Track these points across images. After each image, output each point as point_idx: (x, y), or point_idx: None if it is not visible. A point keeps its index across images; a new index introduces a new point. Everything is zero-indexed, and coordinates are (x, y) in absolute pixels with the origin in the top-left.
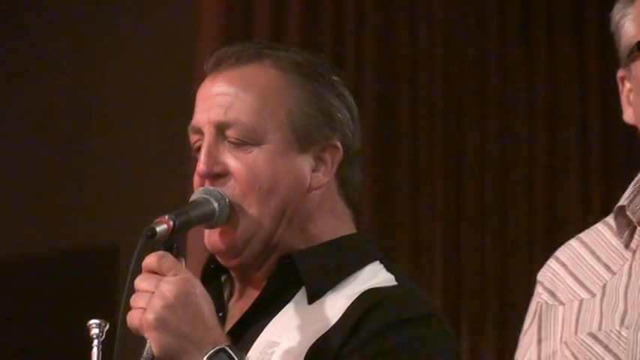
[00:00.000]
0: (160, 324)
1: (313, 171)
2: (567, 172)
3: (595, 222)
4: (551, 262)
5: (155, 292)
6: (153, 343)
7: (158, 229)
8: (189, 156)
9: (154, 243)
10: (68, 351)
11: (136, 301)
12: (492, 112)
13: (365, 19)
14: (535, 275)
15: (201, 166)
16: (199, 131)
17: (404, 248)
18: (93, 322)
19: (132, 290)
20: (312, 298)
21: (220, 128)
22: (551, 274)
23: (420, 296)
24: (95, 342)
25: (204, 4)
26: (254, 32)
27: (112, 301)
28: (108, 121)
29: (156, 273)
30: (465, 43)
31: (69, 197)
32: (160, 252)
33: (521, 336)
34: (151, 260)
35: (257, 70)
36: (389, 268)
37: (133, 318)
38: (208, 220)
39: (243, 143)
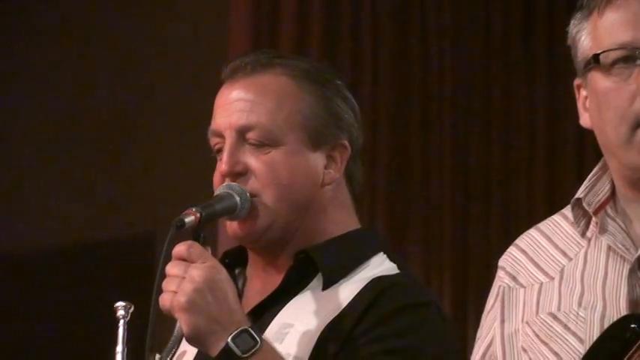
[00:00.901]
0: (191, 306)
1: (325, 168)
2: (565, 154)
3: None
4: (512, 250)
5: (185, 277)
6: (183, 324)
7: (187, 220)
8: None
9: (183, 233)
10: (105, 337)
11: (168, 285)
12: (497, 113)
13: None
14: None
15: (223, 166)
16: (220, 135)
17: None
18: (119, 304)
19: (163, 276)
20: (326, 285)
21: (241, 131)
22: (512, 260)
23: (419, 285)
24: (121, 322)
25: (233, 12)
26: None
27: (150, 288)
28: (147, 118)
29: (185, 260)
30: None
31: (109, 189)
32: (189, 241)
33: (484, 315)
34: (181, 249)
35: (271, 78)
36: (392, 259)
37: (165, 300)
38: (231, 212)
39: (262, 145)
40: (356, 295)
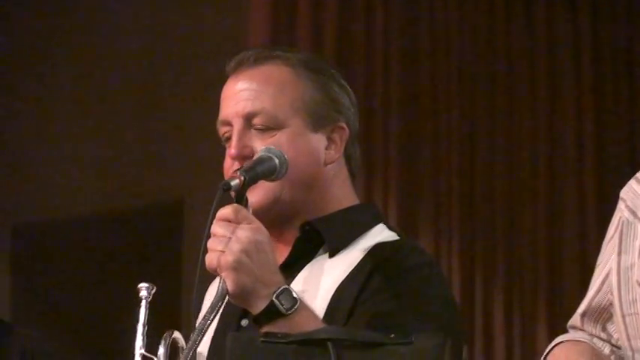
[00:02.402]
0: (238, 265)
1: (326, 148)
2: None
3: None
4: (632, 182)
5: (232, 237)
6: (229, 282)
7: (232, 183)
8: None
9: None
10: (133, 305)
11: (214, 244)
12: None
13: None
14: (540, 231)
15: (232, 150)
16: (228, 123)
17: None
18: (142, 285)
19: (209, 237)
20: (333, 253)
21: (248, 118)
22: (632, 193)
23: (419, 247)
24: (143, 302)
25: (252, 11)
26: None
27: (178, 254)
28: (175, 87)
29: (230, 222)
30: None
31: (137, 158)
32: (234, 204)
33: (605, 243)
34: (227, 210)
35: (272, 68)
36: (391, 228)
37: (212, 259)
38: (271, 174)
39: (267, 128)
40: (361, 260)
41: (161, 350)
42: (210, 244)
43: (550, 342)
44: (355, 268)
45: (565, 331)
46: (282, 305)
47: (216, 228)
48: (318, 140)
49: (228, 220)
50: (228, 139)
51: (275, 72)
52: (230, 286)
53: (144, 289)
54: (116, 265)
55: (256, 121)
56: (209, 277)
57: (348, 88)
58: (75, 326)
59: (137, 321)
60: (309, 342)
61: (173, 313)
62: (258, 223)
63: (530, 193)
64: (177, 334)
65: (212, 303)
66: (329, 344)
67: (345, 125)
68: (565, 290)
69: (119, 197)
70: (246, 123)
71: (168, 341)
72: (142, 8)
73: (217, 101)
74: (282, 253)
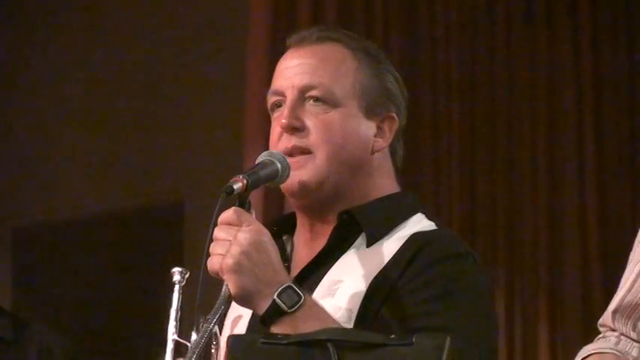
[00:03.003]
0: (238, 267)
1: (375, 136)
2: (564, 128)
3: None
4: None
5: (233, 241)
6: (231, 285)
7: (235, 186)
8: (243, 127)
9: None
10: (133, 304)
11: (216, 248)
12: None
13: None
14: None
15: (283, 120)
16: (282, 94)
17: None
18: (175, 269)
19: (212, 240)
20: (370, 242)
21: (303, 91)
22: None
23: (458, 238)
24: (176, 287)
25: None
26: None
27: (179, 255)
28: (178, 89)
29: (231, 225)
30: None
31: (139, 159)
32: (234, 207)
33: (637, 241)
34: (228, 214)
35: (334, 49)
36: (429, 218)
37: (214, 263)
38: (273, 178)
39: (323, 102)
40: (398, 251)
41: (194, 336)
42: (212, 248)
43: (551, 342)
44: (392, 258)
45: (567, 331)
46: (285, 303)
47: (218, 232)
48: (369, 127)
49: (230, 224)
50: (278, 106)
51: (336, 52)
52: (232, 289)
53: (177, 274)
54: (117, 267)
55: (312, 93)
56: (211, 280)
57: (402, 82)
58: (76, 328)
59: (170, 306)
60: (309, 343)
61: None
62: (257, 225)
63: (530, 194)
64: (215, 328)
65: (216, 306)
66: (329, 345)
67: (395, 116)
68: (566, 290)
69: (120, 200)
70: (300, 95)
71: (201, 327)
72: (144, 10)
73: (219, 104)
74: (321, 241)
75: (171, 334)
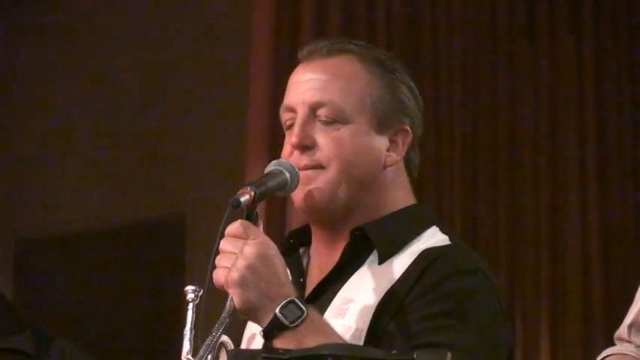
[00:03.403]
0: (243, 281)
1: (387, 150)
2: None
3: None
4: None
5: (239, 254)
6: (236, 298)
7: (242, 199)
8: (246, 139)
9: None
10: (134, 317)
11: (221, 261)
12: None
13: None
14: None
15: (294, 138)
16: (293, 110)
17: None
18: (189, 288)
19: (218, 253)
20: (382, 259)
21: (313, 108)
22: None
23: (470, 253)
24: (190, 305)
25: (256, 10)
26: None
27: (181, 267)
28: (177, 102)
29: (238, 238)
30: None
31: (139, 172)
32: (240, 220)
33: None
34: (235, 227)
35: (345, 62)
36: (444, 231)
37: (219, 276)
38: (282, 188)
39: (333, 121)
40: (408, 267)
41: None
42: (218, 260)
43: (554, 346)
44: (402, 274)
45: (568, 335)
46: (287, 318)
47: (225, 244)
48: (381, 141)
49: (237, 237)
50: (290, 126)
51: (347, 66)
52: (237, 302)
53: (190, 292)
54: (119, 279)
55: (322, 112)
56: (215, 291)
57: (417, 91)
58: (77, 340)
59: (184, 325)
60: (311, 358)
61: (175, 328)
62: (264, 238)
63: (532, 191)
64: (225, 338)
65: (220, 319)
66: None
67: (409, 128)
68: (568, 294)
69: (122, 212)
70: (310, 112)
71: (214, 345)
72: (146, 18)
73: (221, 116)
74: (333, 257)
75: (186, 354)
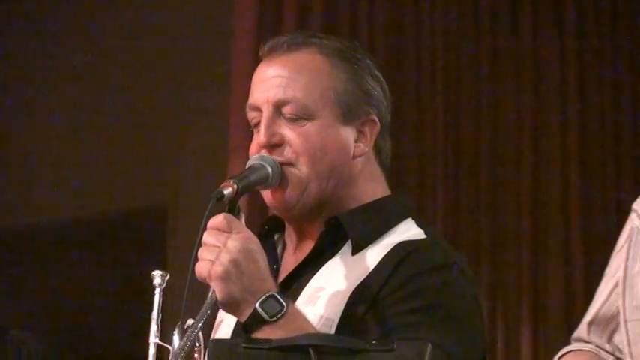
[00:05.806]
0: (227, 275)
1: (356, 141)
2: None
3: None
4: None
5: (222, 247)
6: (218, 292)
7: (225, 192)
8: (228, 131)
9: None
10: (118, 306)
11: (204, 253)
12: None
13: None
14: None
15: (261, 138)
16: (258, 109)
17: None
18: (156, 272)
19: (201, 245)
20: (356, 249)
21: (278, 106)
22: None
23: (445, 247)
24: (157, 290)
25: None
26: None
27: (162, 257)
28: (159, 96)
29: (221, 231)
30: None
31: (122, 164)
32: (224, 213)
33: (613, 255)
34: (219, 220)
35: (306, 56)
36: (419, 224)
37: (202, 268)
38: (263, 182)
39: (298, 118)
40: (382, 259)
41: (176, 339)
42: (201, 253)
43: (534, 348)
44: (376, 266)
45: (554, 337)
46: (266, 312)
47: (207, 237)
48: (348, 133)
49: (220, 230)
50: (257, 124)
51: (309, 60)
52: (219, 296)
53: (157, 277)
54: (99, 269)
55: (286, 109)
56: (197, 284)
57: (382, 79)
58: (57, 330)
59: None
60: (291, 348)
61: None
62: (247, 232)
63: (513, 188)
64: (191, 322)
65: (201, 311)
66: (311, 350)
67: (376, 118)
68: (549, 295)
69: (102, 203)
70: (275, 110)
71: (182, 330)
72: (129, 15)
73: (203, 107)
74: (308, 246)
75: (153, 338)
